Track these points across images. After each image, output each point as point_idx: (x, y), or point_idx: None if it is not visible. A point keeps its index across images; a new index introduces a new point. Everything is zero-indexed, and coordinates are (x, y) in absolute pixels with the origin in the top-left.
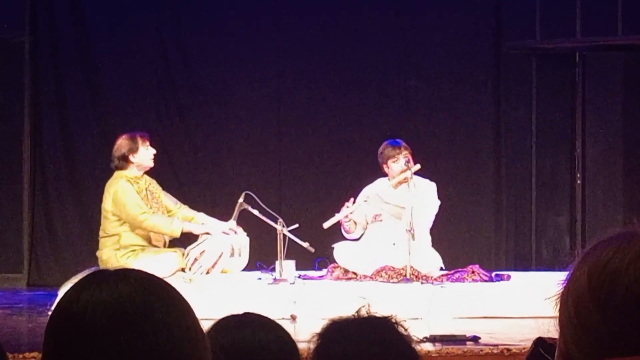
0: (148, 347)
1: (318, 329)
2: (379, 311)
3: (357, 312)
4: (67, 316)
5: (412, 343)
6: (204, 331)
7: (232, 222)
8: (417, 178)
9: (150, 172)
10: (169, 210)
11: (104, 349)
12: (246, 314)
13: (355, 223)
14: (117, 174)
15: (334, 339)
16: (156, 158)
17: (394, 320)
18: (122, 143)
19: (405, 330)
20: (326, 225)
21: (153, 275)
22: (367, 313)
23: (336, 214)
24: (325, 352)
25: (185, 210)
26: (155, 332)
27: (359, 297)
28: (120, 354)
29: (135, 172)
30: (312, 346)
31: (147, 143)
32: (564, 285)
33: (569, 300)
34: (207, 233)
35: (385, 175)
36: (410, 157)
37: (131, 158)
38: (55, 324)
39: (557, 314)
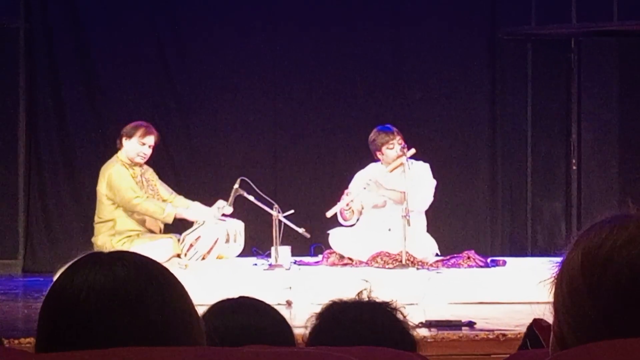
0: (143, 329)
1: (314, 313)
2: (377, 296)
3: (358, 294)
4: (61, 298)
5: (410, 329)
6: (199, 315)
7: (227, 207)
8: (410, 160)
9: (147, 160)
10: (164, 199)
11: (99, 332)
12: (241, 298)
13: (354, 211)
14: (113, 158)
15: (332, 320)
16: (145, 156)
17: (393, 306)
18: (128, 125)
19: (404, 316)
20: (329, 214)
21: (148, 258)
22: (368, 297)
23: (337, 203)
24: (322, 332)
25: (179, 200)
26: (149, 315)
27: (362, 280)
28: (114, 336)
29: (127, 158)
30: (310, 326)
31: (145, 140)
32: (558, 268)
33: (562, 283)
34: (203, 221)
35: (377, 160)
36: (403, 142)
37: (123, 141)
38: (49, 306)
39: (551, 297)
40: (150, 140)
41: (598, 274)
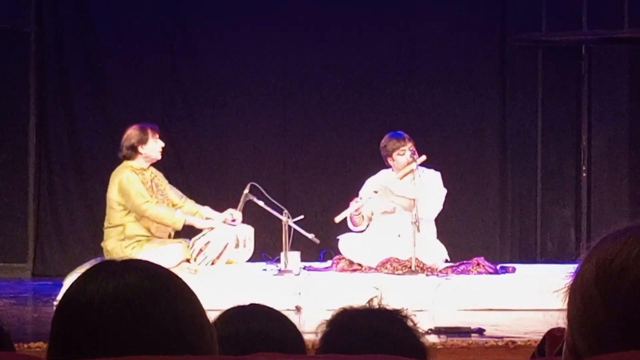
0: (155, 338)
1: (324, 319)
2: (388, 303)
3: (369, 302)
4: (74, 307)
5: (421, 337)
6: (210, 322)
7: (237, 213)
8: (421, 168)
9: (156, 164)
10: (174, 203)
11: (111, 340)
12: (252, 305)
13: (363, 217)
14: (123, 164)
15: (342, 328)
16: (162, 150)
17: (404, 313)
18: (132, 133)
19: (415, 324)
20: (338, 219)
21: (159, 266)
22: (378, 304)
23: (347, 209)
24: (333, 340)
25: (189, 204)
26: (162, 323)
27: (372, 287)
28: (127, 344)
29: (142, 163)
30: (321, 333)
31: (157, 136)
32: (573, 278)
33: (576, 293)
34: (210, 228)
35: (388, 167)
36: (414, 149)
37: (140, 149)
38: (62, 315)
39: (565, 307)
40: (158, 133)
41: (612, 284)
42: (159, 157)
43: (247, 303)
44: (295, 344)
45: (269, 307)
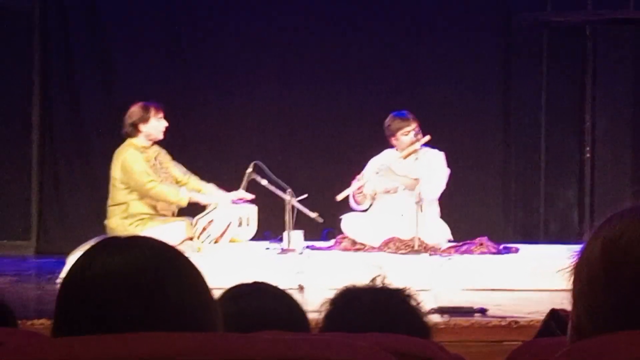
0: (160, 314)
1: (327, 298)
2: (391, 282)
3: (372, 281)
4: (79, 283)
5: (424, 316)
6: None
7: (241, 192)
8: (425, 148)
9: (159, 142)
10: (178, 180)
11: (115, 316)
12: (256, 283)
13: (366, 196)
14: (126, 142)
15: (345, 307)
16: (166, 129)
17: (407, 292)
18: (134, 111)
19: (418, 303)
20: (339, 197)
21: (164, 243)
22: (381, 283)
23: (349, 188)
24: (336, 318)
25: (194, 180)
26: (167, 299)
27: (375, 266)
28: (132, 321)
29: (143, 141)
30: (324, 312)
31: (160, 115)
32: (578, 257)
33: (582, 272)
34: (215, 204)
35: (392, 146)
36: (418, 129)
37: (141, 127)
38: (67, 291)
39: (570, 286)
40: (162, 113)
41: (617, 264)
42: (160, 136)
43: (251, 281)
44: (299, 322)
45: (272, 286)
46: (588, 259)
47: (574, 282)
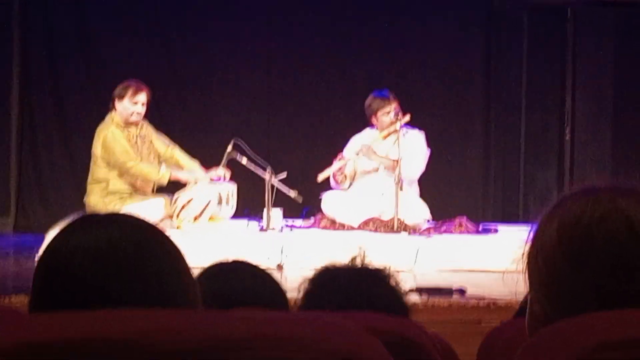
0: (138, 291)
1: (306, 277)
2: (370, 262)
3: (352, 260)
4: (56, 259)
5: (403, 296)
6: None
7: (221, 169)
8: (405, 128)
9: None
10: (161, 155)
11: (94, 293)
12: (235, 262)
13: (346, 176)
14: (108, 118)
15: (325, 286)
16: (140, 114)
17: (386, 272)
18: (119, 86)
19: (397, 282)
20: (320, 177)
21: (144, 220)
22: (361, 263)
23: (330, 167)
24: (315, 297)
25: (177, 153)
26: (145, 276)
27: (355, 245)
28: (109, 297)
29: (119, 118)
30: (303, 291)
31: (137, 98)
32: (532, 242)
33: (538, 258)
34: (195, 182)
35: (372, 126)
36: (399, 108)
37: (116, 103)
38: (44, 267)
39: (526, 272)
40: (142, 97)
41: (578, 247)
42: (132, 119)
43: (229, 260)
44: (278, 301)
45: (251, 264)
46: (544, 246)
47: (530, 268)
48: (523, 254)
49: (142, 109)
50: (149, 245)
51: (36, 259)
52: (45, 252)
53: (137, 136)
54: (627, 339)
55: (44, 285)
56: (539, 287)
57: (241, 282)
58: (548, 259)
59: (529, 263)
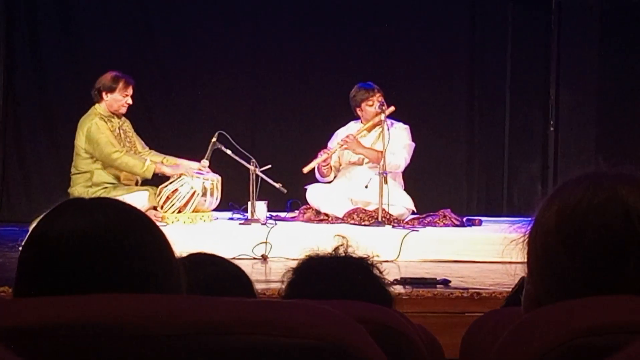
0: (123, 276)
1: (291, 267)
2: (353, 251)
3: (335, 250)
4: (41, 243)
5: (386, 286)
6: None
7: (205, 161)
8: (390, 121)
9: (125, 112)
10: (139, 152)
11: (79, 277)
12: (193, 255)
13: (331, 168)
14: (91, 110)
15: (309, 275)
16: (127, 105)
17: (369, 262)
18: (105, 77)
19: (381, 272)
20: (306, 169)
21: (129, 205)
22: (344, 252)
23: (314, 159)
24: (299, 286)
25: (154, 156)
26: (130, 261)
27: (338, 236)
28: (94, 282)
29: (105, 110)
30: (286, 280)
31: (127, 92)
32: (531, 227)
33: (536, 241)
34: (180, 174)
35: (357, 118)
36: (383, 100)
37: (104, 95)
38: (29, 251)
39: (524, 256)
40: (131, 90)
41: (574, 232)
42: (121, 111)
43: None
44: (245, 289)
45: (213, 255)
46: (543, 229)
47: (529, 253)
48: (523, 237)
49: (130, 101)
50: (134, 230)
51: (20, 249)
52: (30, 236)
53: (119, 128)
54: (612, 324)
55: (29, 270)
56: (534, 269)
57: (206, 272)
58: (546, 243)
59: (528, 243)
